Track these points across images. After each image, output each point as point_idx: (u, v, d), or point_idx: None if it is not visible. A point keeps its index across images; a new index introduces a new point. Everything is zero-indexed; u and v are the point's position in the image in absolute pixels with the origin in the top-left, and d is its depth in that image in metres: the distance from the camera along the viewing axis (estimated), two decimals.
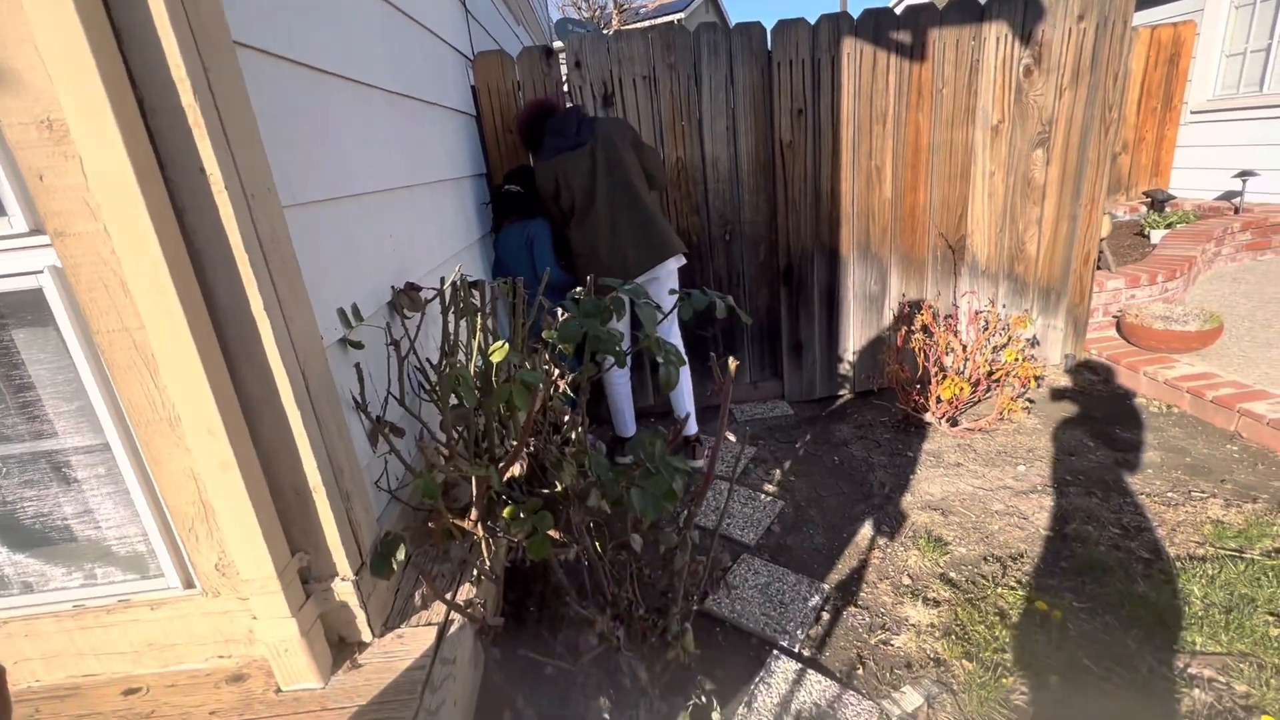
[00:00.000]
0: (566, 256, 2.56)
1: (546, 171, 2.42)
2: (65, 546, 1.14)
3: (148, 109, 0.87)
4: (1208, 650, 1.63)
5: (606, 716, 1.47)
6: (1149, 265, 3.92)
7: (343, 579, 1.14)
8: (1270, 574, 1.82)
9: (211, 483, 0.99)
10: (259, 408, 1.02)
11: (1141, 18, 5.84)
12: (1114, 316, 3.60)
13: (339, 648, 1.19)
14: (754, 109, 2.89)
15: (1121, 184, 5.70)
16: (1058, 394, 3.15)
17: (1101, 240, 3.65)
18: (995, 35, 2.85)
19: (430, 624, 1.23)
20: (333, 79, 1.36)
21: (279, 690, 1.12)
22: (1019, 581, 1.93)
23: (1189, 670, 1.58)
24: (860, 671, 1.69)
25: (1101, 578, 1.89)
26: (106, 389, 1.01)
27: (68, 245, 0.90)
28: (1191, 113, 5.50)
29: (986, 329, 2.86)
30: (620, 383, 2.69)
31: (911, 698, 1.60)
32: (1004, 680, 1.61)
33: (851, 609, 1.90)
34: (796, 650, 1.77)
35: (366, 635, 1.19)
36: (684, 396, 2.68)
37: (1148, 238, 4.57)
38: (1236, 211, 4.83)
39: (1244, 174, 4.69)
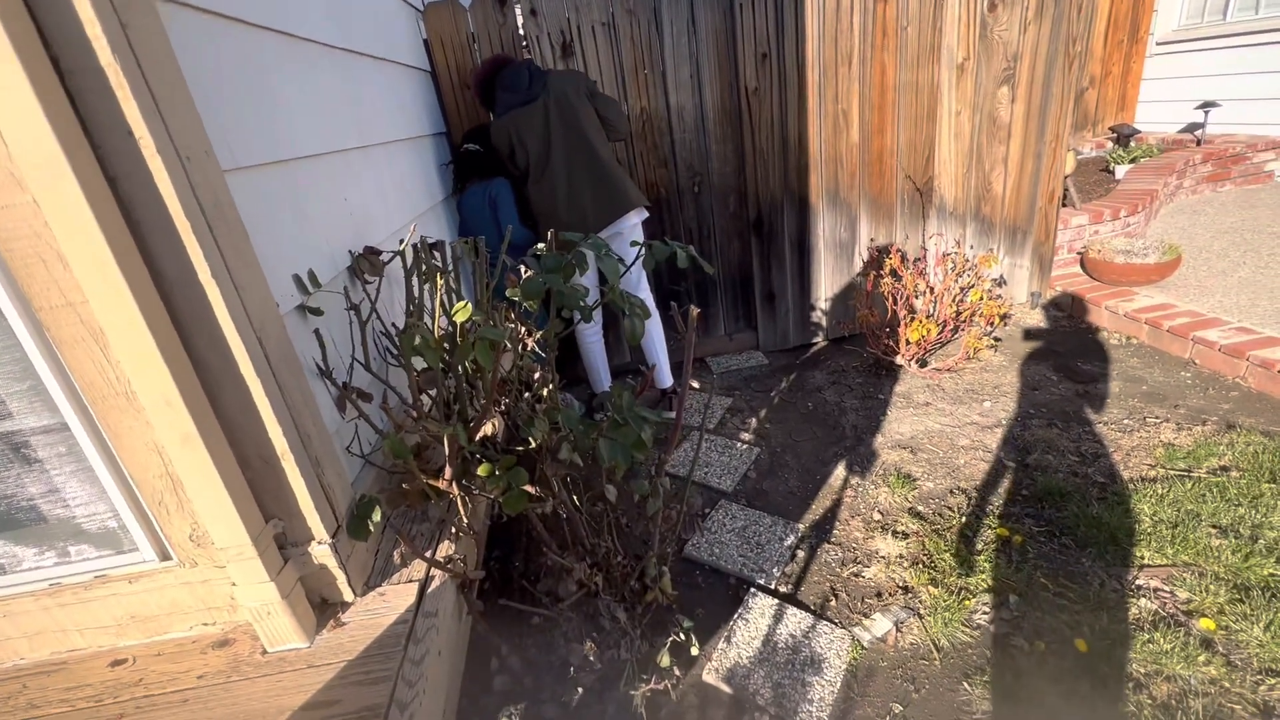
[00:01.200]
0: (530, 215, 2.53)
1: (500, 130, 2.37)
2: (34, 527, 1.13)
3: (65, 70, 0.83)
4: (1154, 563, 1.73)
5: (591, 658, 1.53)
6: (1112, 201, 3.97)
7: (319, 543, 1.16)
8: (1214, 490, 1.92)
9: (175, 455, 0.99)
10: (217, 378, 1.01)
11: None
12: (1078, 253, 3.67)
13: (321, 608, 1.21)
14: (718, 55, 2.82)
15: (1088, 120, 5.71)
16: (1024, 331, 3.23)
17: (1066, 177, 3.69)
18: None
19: (411, 580, 1.26)
20: (267, 34, 1.30)
21: (265, 652, 1.15)
22: (983, 510, 2.02)
23: (1137, 582, 1.68)
24: (833, 603, 1.77)
25: (1060, 503, 1.99)
26: (57, 366, 0.99)
27: None
28: (1157, 44, 5.49)
29: (954, 270, 2.90)
30: (592, 340, 2.70)
31: (881, 624, 1.69)
32: (967, 602, 1.70)
33: (825, 546, 1.97)
34: (773, 587, 1.84)
35: (348, 595, 1.22)
36: (655, 348, 2.70)
37: (1112, 173, 4.61)
38: (1199, 144, 4.88)
39: (1206, 105, 4.72)
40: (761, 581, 1.87)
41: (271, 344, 1.06)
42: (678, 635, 1.37)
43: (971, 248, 3.28)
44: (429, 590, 1.24)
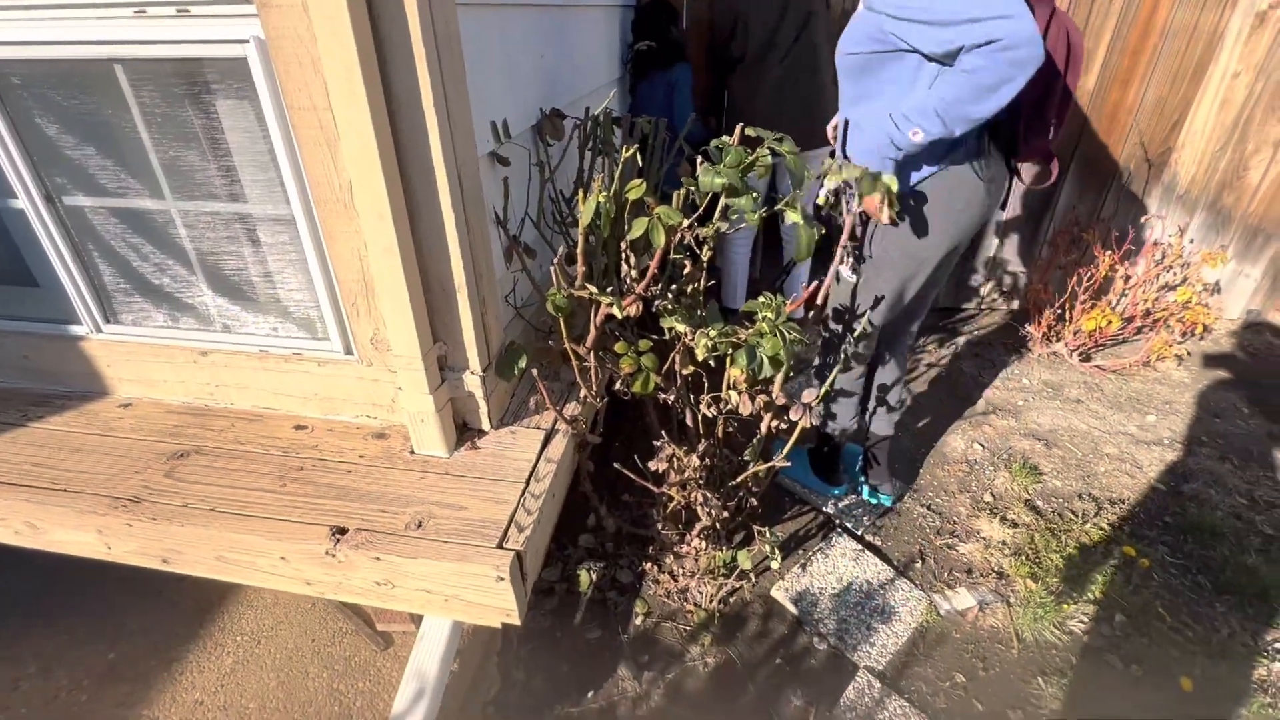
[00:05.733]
0: (705, 109, 2.43)
1: (727, 10, 2.22)
2: (255, 300, 1.34)
3: None
4: None
5: (677, 541, 1.63)
6: None
7: (472, 373, 1.28)
8: None
9: (375, 264, 1.11)
10: (420, 203, 1.10)
11: None
12: None
13: (461, 430, 1.37)
14: None
15: None
16: (1221, 351, 2.78)
17: None
18: None
19: (539, 428, 1.38)
20: None
21: (413, 452, 1.32)
22: (1110, 524, 1.86)
23: (1276, 644, 1.52)
24: (918, 565, 1.75)
25: (1208, 541, 1.79)
26: (294, 165, 1.12)
27: (271, 17, 0.96)
28: None
29: (1162, 261, 2.50)
30: (740, 250, 2.65)
31: (964, 598, 1.65)
32: (1065, 606, 1.61)
33: (924, 511, 1.92)
34: (859, 533, 1.84)
35: (485, 425, 1.36)
36: (804, 278, 2.61)
37: None
38: None
39: None
40: (849, 525, 1.87)
41: (468, 182, 1.13)
42: (763, 545, 1.42)
43: (1192, 241, 2.80)
44: (553, 439, 1.36)
